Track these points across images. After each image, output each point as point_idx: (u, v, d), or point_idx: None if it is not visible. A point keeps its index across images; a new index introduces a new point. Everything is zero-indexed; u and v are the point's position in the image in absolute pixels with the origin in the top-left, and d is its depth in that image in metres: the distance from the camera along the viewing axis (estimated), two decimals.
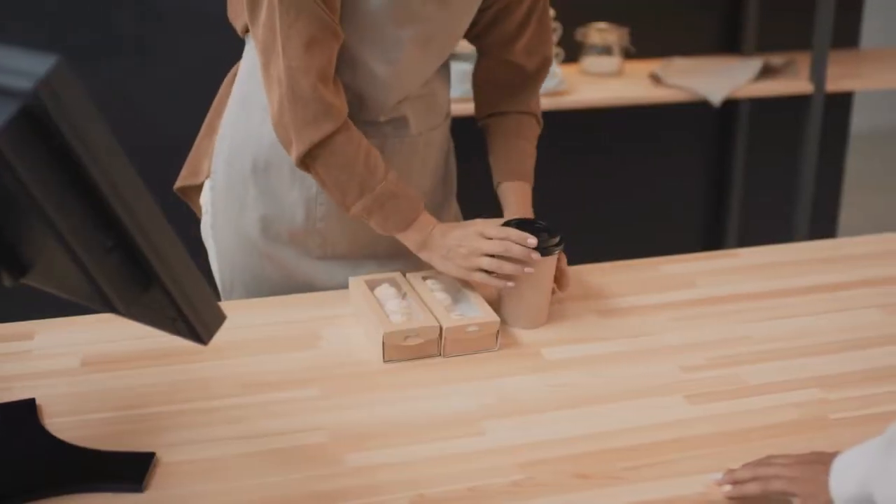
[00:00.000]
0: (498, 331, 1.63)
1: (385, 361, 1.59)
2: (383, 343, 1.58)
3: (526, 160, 1.90)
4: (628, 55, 3.34)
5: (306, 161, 1.66)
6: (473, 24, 1.82)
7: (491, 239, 1.67)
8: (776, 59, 3.36)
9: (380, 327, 1.59)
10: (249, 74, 1.80)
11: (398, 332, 1.58)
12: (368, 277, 1.76)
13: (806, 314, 1.76)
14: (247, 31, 1.78)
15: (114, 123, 1.05)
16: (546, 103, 2.99)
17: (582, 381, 1.55)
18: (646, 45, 3.41)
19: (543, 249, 1.66)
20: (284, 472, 1.34)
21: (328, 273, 1.86)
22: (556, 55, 3.24)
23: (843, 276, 1.91)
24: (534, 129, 1.93)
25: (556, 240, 1.69)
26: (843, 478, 1.20)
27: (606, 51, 3.26)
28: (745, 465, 1.32)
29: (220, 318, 1.17)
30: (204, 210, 1.92)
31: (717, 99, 3.15)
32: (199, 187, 1.92)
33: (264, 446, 1.39)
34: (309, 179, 1.77)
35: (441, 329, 1.60)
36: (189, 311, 1.12)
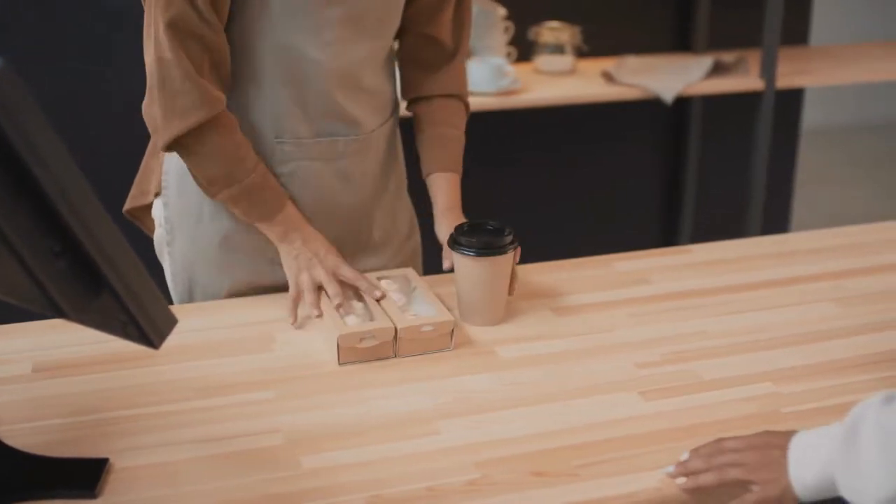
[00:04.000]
0: (453, 330, 1.63)
1: (340, 364, 1.59)
2: (338, 345, 1.58)
3: (453, 149, 1.90)
4: (581, 54, 3.35)
5: (172, 147, 1.66)
6: None
7: (333, 275, 1.72)
8: (727, 57, 3.38)
9: (335, 330, 1.59)
10: None
11: (353, 334, 1.58)
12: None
13: (759, 309, 1.78)
14: None
15: (62, 128, 1.04)
16: (499, 102, 3.01)
17: (537, 379, 1.55)
18: (598, 43, 3.42)
19: (498, 248, 1.67)
20: (240, 476, 1.33)
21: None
22: (509, 54, 3.24)
23: (796, 271, 1.93)
24: (460, 115, 1.94)
25: (510, 238, 1.69)
26: (802, 464, 1.20)
27: (559, 49, 3.27)
28: (696, 453, 1.31)
29: (171, 321, 1.16)
30: (157, 224, 1.89)
31: (670, 97, 3.17)
32: (149, 206, 1.90)
33: (220, 450, 1.38)
34: None
35: (396, 330, 1.60)
36: (140, 316, 1.11)
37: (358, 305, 1.69)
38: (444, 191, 1.87)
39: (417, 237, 2.05)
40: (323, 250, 1.74)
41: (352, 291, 1.73)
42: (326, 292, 1.70)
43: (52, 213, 1.01)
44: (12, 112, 0.93)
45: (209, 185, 1.69)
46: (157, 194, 1.87)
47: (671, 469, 1.32)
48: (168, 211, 1.85)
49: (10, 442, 1.36)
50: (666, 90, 3.17)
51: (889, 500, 1.11)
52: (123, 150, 3.07)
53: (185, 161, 1.69)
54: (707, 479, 1.28)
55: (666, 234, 3.81)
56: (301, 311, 1.72)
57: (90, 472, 1.31)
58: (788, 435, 1.25)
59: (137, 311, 1.11)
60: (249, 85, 1.72)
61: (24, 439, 1.38)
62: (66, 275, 1.06)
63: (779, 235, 2.19)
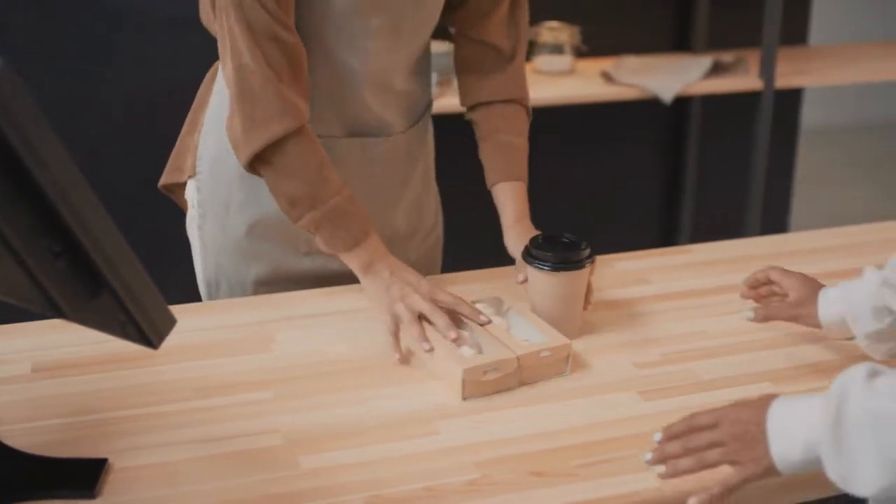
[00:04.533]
0: (569, 354, 1.56)
1: (464, 399, 1.50)
2: (463, 380, 1.49)
3: (517, 158, 1.87)
4: (580, 54, 3.35)
5: (255, 164, 1.62)
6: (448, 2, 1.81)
7: (433, 303, 1.60)
8: (726, 57, 3.38)
9: (451, 363, 1.50)
10: None
11: (477, 367, 1.49)
12: None
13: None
14: (211, 25, 1.77)
15: (62, 128, 1.04)
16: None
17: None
18: (597, 43, 3.42)
19: (575, 263, 1.63)
20: (240, 476, 1.33)
21: (315, 266, 1.86)
22: None
23: (796, 270, 1.92)
24: (522, 121, 1.90)
25: (587, 252, 1.65)
26: (785, 443, 1.17)
27: (558, 49, 3.27)
28: (669, 433, 1.27)
29: (170, 321, 1.16)
30: (190, 205, 1.90)
31: (669, 96, 3.17)
32: (184, 185, 1.91)
33: (219, 450, 1.38)
34: None
35: (518, 359, 1.52)
36: (139, 316, 1.11)
37: (464, 334, 1.58)
38: (511, 201, 1.83)
39: (440, 229, 2.06)
40: (414, 277, 1.64)
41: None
42: (431, 323, 1.58)
43: (51, 213, 1.01)
44: (12, 112, 0.93)
45: (291, 208, 1.63)
46: (190, 175, 1.87)
47: (649, 456, 1.27)
48: (200, 195, 1.86)
49: (9, 442, 1.36)
50: (665, 90, 3.17)
51: (883, 490, 1.10)
52: (123, 150, 3.08)
53: (268, 180, 1.63)
54: (686, 465, 1.24)
55: (666, 234, 3.81)
56: (406, 344, 1.61)
57: (89, 473, 1.31)
58: (762, 407, 1.20)
59: (136, 311, 1.11)
60: None
61: (24, 439, 1.38)
62: (65, 275, 1.06)
63: (778, 235, 2.18)
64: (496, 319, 1.62)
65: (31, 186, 0.98)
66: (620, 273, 1.91)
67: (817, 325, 1.57)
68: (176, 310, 1.15)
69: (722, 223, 3.70)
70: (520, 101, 1.90)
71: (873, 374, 1.14)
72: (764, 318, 1.61)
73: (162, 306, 1.14)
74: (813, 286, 1.60)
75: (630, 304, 1.78)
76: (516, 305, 1.67)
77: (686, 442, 1.25)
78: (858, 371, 1.15)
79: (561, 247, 1.65)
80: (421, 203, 1.96)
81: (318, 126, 1.73)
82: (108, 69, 3.03)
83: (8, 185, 0.98)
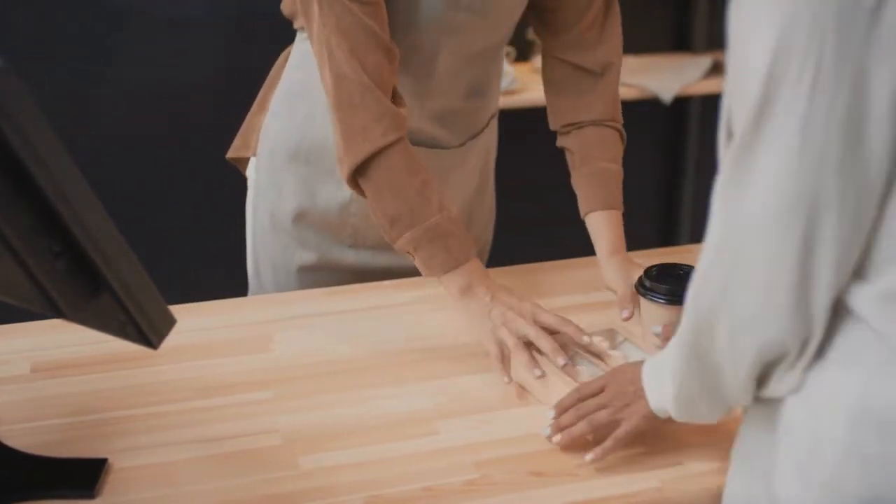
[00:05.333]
0: None
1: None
2: None
3: (612, 185, 1.78)
4: None
5: (356, 178, 1.55)
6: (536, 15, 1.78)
7: (537, 326, 1.53)
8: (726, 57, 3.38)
9: (566, 392, 1.42)
10: (297, 66, 1.81)
11: None
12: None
13: None
14: (294, 17, 1.79)
15: (61, 128, 1.04)
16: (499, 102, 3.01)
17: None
18: None
19: None
20: (239, 476, 1.33)
21: (360, 260, 1.88)
22: (508, 54, 3.24)
23: None
24: (616, 146, 1.81)
25: None
26: (657, 391, 1.28)
27: None
28: (561, 407, 1.38)
29: (170, 321, 1.16)
30: (249, 183, 1.93)
31: (668, 96, 3.17)
32: (247, 160, 1.93)
33: (218, 450, 1.38)
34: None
35: None
36: (139, 316, 1.11)
37: (579, 368, 1.50)
38: (607, 232, 1.75)
39: (489, 236, 2.07)
40: (515, 300, 1.56)
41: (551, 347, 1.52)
42: (538, 348, 1.51)
43: (51, 213, 1.01)
44: (12, 112, 0.93)
45: (391, 227, 1.55)
46: (253, 154, 1.90)
47: (547, 431, 1.38)
48: (257, 176, 1.88)
49: (9, 442, 1.36)
50: (664, 90, 3.17)
51: (679, 409, 1.20)
52: (123, 150, 3.08)
53: (368, 197, 1.56)
54: (579, 428, 1.36)
55: (665, 234, 3.81)
56: (516, 374, 1.52)
57: (89, 473, 1.31)
58: (639, 365, 1.33)
59: (136, 311, 1.11)
60: None
61: (23, 439, 1.38)
62: (65, 275, 1.06)
63: None
64: (612, 352, 1.53)
65: (31, 186, 0.98)
66: None
67: None
68: (176, 310, 1.15)
69: None
70: (613, 125, 1.81)
71: None
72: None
73: (162, 306, 1.14)
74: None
75: None
76: (631, 337, 1.60)
77: (577, 410, 1.37)
78: None
79: (676, 279, 1.55)
80: (471, 211, 1.96)
81: None
82: (108, 69, 3.03)
83: (8, 185, 0.98)
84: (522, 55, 3.33)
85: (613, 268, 1.71)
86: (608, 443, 1.33)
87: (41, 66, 2.96)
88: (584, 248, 1.83)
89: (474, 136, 1.87)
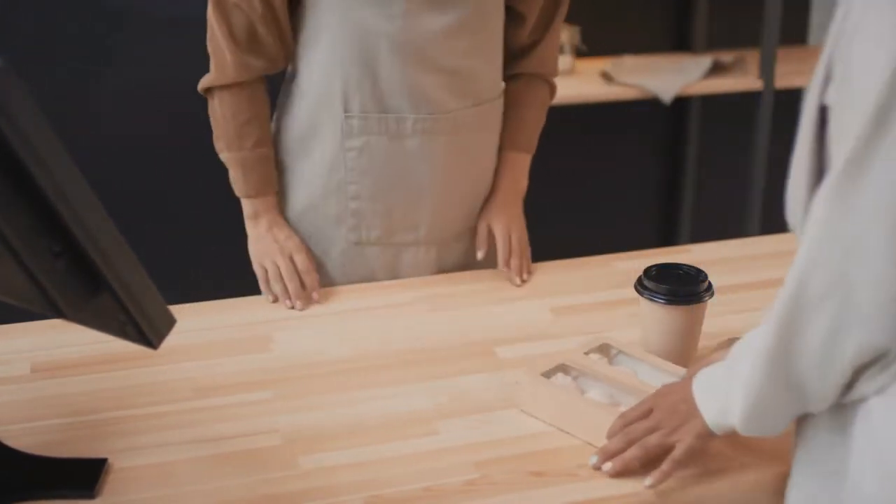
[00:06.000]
0: None
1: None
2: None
3: (525, 128, 1.93)
4: (579, 54, 3.35)
5: (204, 92, 1.81)
6: None
7: (290, 263, 1.81)
8: (726, 57, 3.38)
9: (605, 413, 1.38)
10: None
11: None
12: (538, 373, 1.47)
13: (758, 308, 1.77)
14: None
15: (61, 128, 1.03)
16: None
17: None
18: (597, 43, 3.42)
19: (693, 297, 1.53)
20: (239, 476, 1.33)
21: (362, 256, 1.88)
22: None
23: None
24: (538, 94, 1.95)
25: (706, 285, 1.55)
26: (714, 408, 1.24)
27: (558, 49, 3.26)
28: (609, 434, 1.34)
29: (170, 321, 1.16)
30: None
31: (668, 96, 3.17)
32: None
33: (218, 450, 1.38)
34: (339, 163, 1.81)
35: None
36: (138, 316, 1.11)
37: (606, 391, 1.46)
38: (505, 172, 1.92)
39: None
40: (282, 236, 1.83)
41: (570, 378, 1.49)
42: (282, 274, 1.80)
43: (51, 213, 1.01)
44: (12, 112, 0.93)
45: (215, 140, 1.81)
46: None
47: (595, 460, 1.33)
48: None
49: (9, 442, 1.36)
50: (664, 90, 3.17)
51: (748, 419, 1.16)
52: (123, 150, 3.08)
53: (209, 111, 1.81)
54: (631, 454, 1.30)
55: (665, 234, 3.81)
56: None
57: (89, 473, 1.31)
58: (687, 383, 1.29)
59: (136, 312, 1.10)
60: (320, 59, 1.75)
61: (23, 440, 1.38)
62: (65, 275, 1.06)
63: (778, 235, 2.18)
64: (619, 368, 1.50)
65: (31, 186, 0.98)
66: (620, 273, 1.90)
67: None
68: (176, 310, 1.15)
69: (722, 223, 3.69)
70: (542, 76, 1.95)
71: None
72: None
73: (162, 306, 1.14)
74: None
75: (630, 304, 1.78)
76: (625, 348, 1.54)
77: (625, 435, 1.32)
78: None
79: (677, 278, 1.55)
80: (469, 198, 1.91)
81: (354, 102, 1.75)
82: (108, 69, 3.03)
83: (8, 185, 0.98)
84: None
85: (491, 205, 1.91)
86: (666, 466, 1.28)
87: (41, 66, 2.96)
88: (584, 246, 1.83)
89: (469, 108, 1.82)
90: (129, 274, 1.08)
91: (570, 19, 3.31)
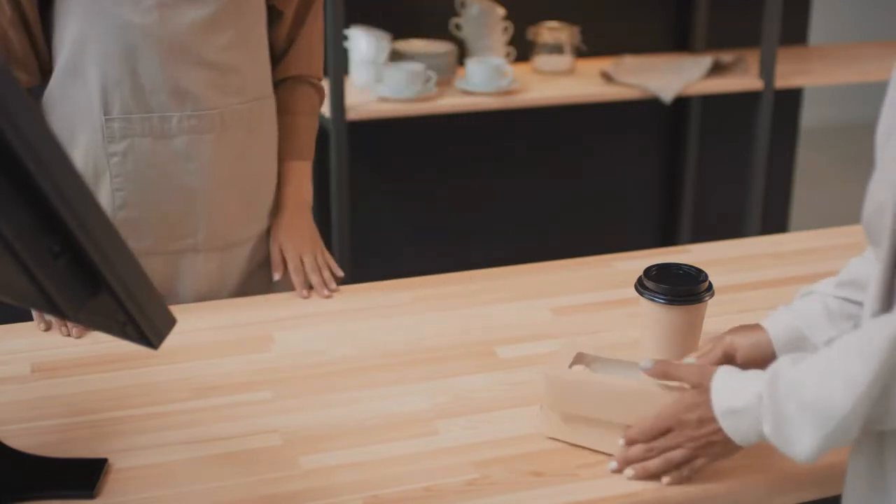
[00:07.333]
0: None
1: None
2: None
3: (298, 135, 1.89)
4: (579, 54, 3.35)
5: None
6: None
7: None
8: (726, 57, 3.38)
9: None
10: None
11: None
12: (560, 368, 1.40)
13: (758, 308, 1.77)
14: None
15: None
16: (498, 102, 3.01)
17: (536, 379, 1.55)
18: (597, 43, 3.42)
19: (693, 296, 1.52)
20: (238, 476, 1.33)
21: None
22: (508, 54, 3.24)
23: (795, 271, 1.93)
24: (306, 97, 1.91)
25: (706, 284, 1.53)
26: (741, 436, 1.23)
27: (558, 49, 3.27)
28: (629, 441, 1.32)
29: (170, 321, 1.16)
30: None
31: (669, 96, 3.17)
32: None
33: (218, 450, 1.38)
34: (102, 171, 1.71)
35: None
36: (138, 316, 1.10)
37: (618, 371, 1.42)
38: (290, 183, 1.88)
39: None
40: None
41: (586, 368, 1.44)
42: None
43: (50, 212, 1.00)
44: (11, 112, 0.93)
45: None
46: None
47: (613, 465, 1.33)
48: None
49: (8, 442, 1.36)
50: (665, 90, 3.17)
51: (820, 450, 1.15)
52: None
53: None
54: (655, 465, 1.31)
55: (665, 234, 3.81)
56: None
57: (89, 473, 1.31)
58: (704, 399, 1.26)
59: (136, 311, 1.10)
60: (75, 60, 1.67)
61: (23, 440, 1.38)
62: (65, 275, 1.06)
63: (778, 235, 2.18)
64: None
65: (31, 186, 0.98)
66: (620, 273, 1.90)
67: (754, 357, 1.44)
68: (176, 310, 1.15)
69: (722, 223, 3.70)
70: (306, 79, 1.91)
71: (797, 361, 1.19)
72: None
73: (162, 306, 1.14)
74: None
75: (630, 304, 1.78)
76: (599, 356, 1.44)
77: (647, 447, 1.31)
78: (785, 358, 1.21)
79: (676, 278, 1.54)
80: (251, 204, 1.84)
81: (115, 103, 1.68)
82: None
83: (8, 185, 0.98)
84: (522, 55, 3.32)
85: (279, 225, 1.88)
86: (686, 472, 1.30)
87: None
88: (584, 246, 1.83)
89: (238, 105, 1.76)
90: (128, 274, 1.08)
91: (570, 19, 3.34)
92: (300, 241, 1.87)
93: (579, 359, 1.43)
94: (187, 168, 1.74)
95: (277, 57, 1.87)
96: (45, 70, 1.72)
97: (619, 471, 1.32)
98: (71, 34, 1.66)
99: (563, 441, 1.40)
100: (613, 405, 1.35)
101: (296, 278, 1.84)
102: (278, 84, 1.87)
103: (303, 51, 1.88)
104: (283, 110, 1.88)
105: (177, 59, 1.68)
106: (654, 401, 1.32)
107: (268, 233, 1.88)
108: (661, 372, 1.32)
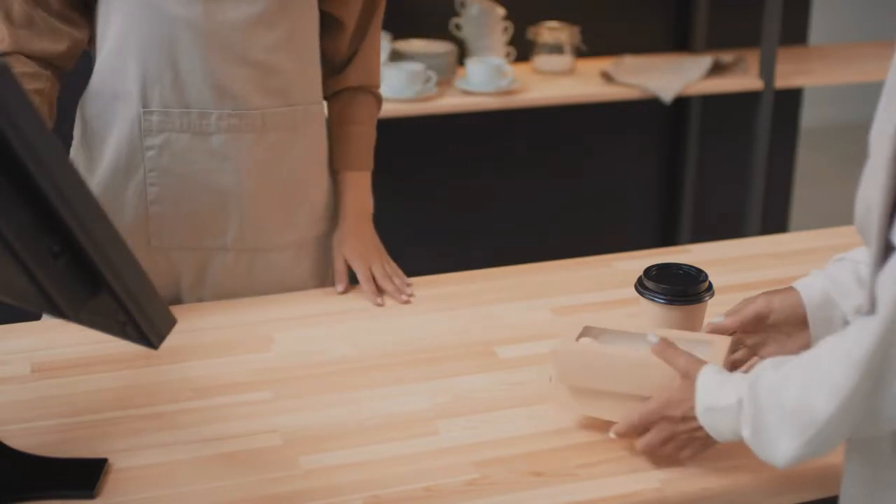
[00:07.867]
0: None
1: None
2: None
3: (358, 145, 1.87)
4: (580, 54, 3.35)
5: None
6: None
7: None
8: (726, 57, 3.38)
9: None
10: None
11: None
12: (568, 342, 1.41)
13: None
14: None
15: (62, 127, 1.04)
16: (498, 102, 3.02)
17: (536, 379, 1.55)
18: (597, 43, 3.42)
19: (693, 296, 1.52)
20: (238, 476, 1.33)
21: (167, 262, 1.79)
22: (508, 54, 3.24)
23: (795, 271, 1.92)
24: (366, 107, 1.89)
25: (706, 284, 1.53)
26: (724, 436, 1.25)
27: (558, 49, 3.27)
28: (621, 437, 1.36)
29: (170, 321, 1.16)
30: None
31: (669, 96, 3.17)
32: None
33: (218, 450, 1.38)
34: (136, 164, 1.71)
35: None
36: (139, 316, 1.11)
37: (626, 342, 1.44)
38: (350, 192, 1.86)
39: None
40: None
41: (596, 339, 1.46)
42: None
43: (50, 212, 1.01)
44: (11, 112, 0.93)
45: None
46: None
47: (613, 435, 1.36)
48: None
49: (8, 442, 1.36)
50: (665, 90, 3.17)
51: (799, 456, 1.15)
52: None
53: None
54: (640, 450, 1.34)
55: (665, 234, 3.81)
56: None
57: (89, 473, 1.31)
58: (689, 393, 1.27)
59: (136, 312, 1.10)
60: (116, 49, 1.67)
61: (23, 440, 1.38)
62: (65, 275, 1.06)
63: (778, 235, 2.18)
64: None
65: (31, 186, 0.98)
66: (620, 273, 1.90)
67: (787, 323, 1.45)
68: (176, 309, 1.15)
69: (722, 223, 3.69)
70: (367, 88, 1.88)
71: (777, 365, 1.19)
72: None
73: (162, 306, 1.14)
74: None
75: (630, 304, 1.78)
76: (606, 328, 1.45)
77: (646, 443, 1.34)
78: (766, 363, 1.21)
79: (677, 278, 1.54)
80: (291, 207, 1.82)
81: (154, 96, 1.67)
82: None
83: (8, 185, 0.98)
84: (522, 55, 3.32)
85: (344, 231, 1.85)
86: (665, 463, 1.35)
87: None
88: (584, 246, 1.83)
89: (281, 107, 1.74)
90: (128, 274, 1.08)
91: (570, 19, 3.34)
92: (365, 251, 1.84)
93: (587, 331, 1.44)
94: (223, 167, 1.73)
95: (338, 67, 1.85)
96: (75, 49, 1.70)
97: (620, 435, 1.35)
98: (115, 25, 1.66)
99: (574, 413, 1.42)
100: (621, 376, 1.36)
101: (367, 286, 1.80)
102: (337, 94, 1.87)
103: (364, 61, 1.86)
104: (341, 120, 1.86)
105: (219, 54, 1.66)
106: (660, 371, 1.33)
107: (306, 246, 1.85)
108: (660, 351, 1.33)
